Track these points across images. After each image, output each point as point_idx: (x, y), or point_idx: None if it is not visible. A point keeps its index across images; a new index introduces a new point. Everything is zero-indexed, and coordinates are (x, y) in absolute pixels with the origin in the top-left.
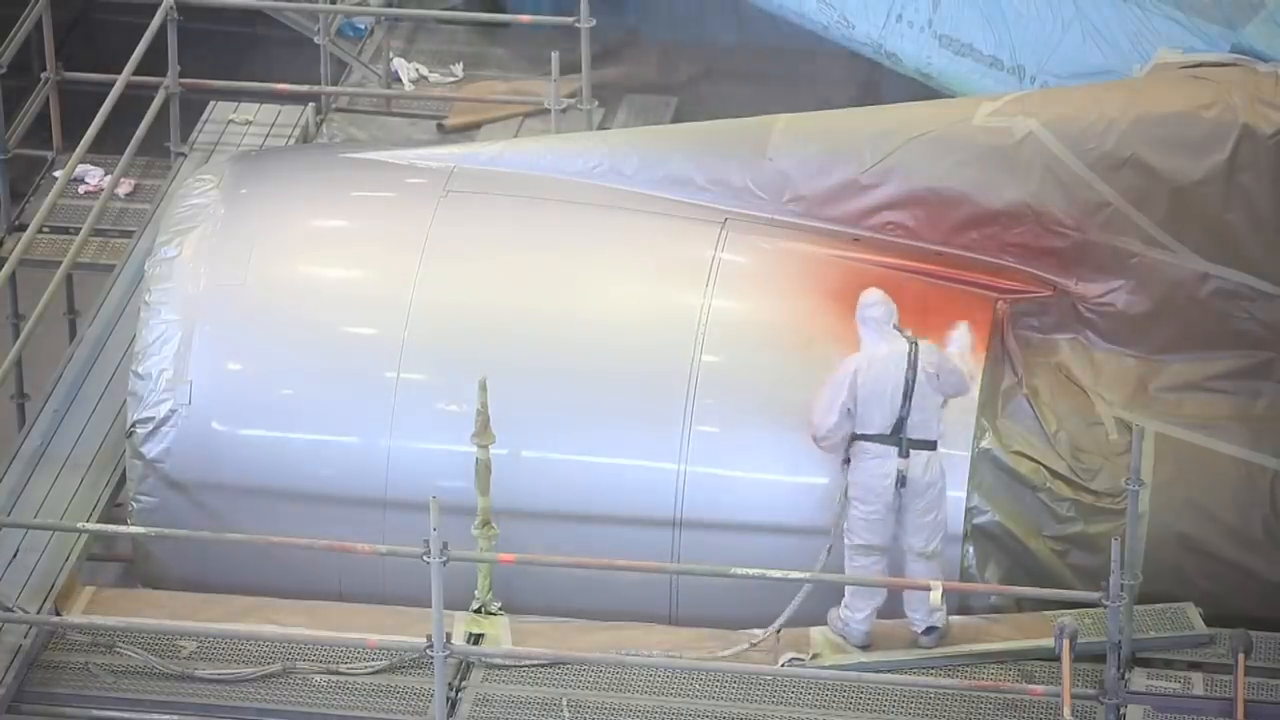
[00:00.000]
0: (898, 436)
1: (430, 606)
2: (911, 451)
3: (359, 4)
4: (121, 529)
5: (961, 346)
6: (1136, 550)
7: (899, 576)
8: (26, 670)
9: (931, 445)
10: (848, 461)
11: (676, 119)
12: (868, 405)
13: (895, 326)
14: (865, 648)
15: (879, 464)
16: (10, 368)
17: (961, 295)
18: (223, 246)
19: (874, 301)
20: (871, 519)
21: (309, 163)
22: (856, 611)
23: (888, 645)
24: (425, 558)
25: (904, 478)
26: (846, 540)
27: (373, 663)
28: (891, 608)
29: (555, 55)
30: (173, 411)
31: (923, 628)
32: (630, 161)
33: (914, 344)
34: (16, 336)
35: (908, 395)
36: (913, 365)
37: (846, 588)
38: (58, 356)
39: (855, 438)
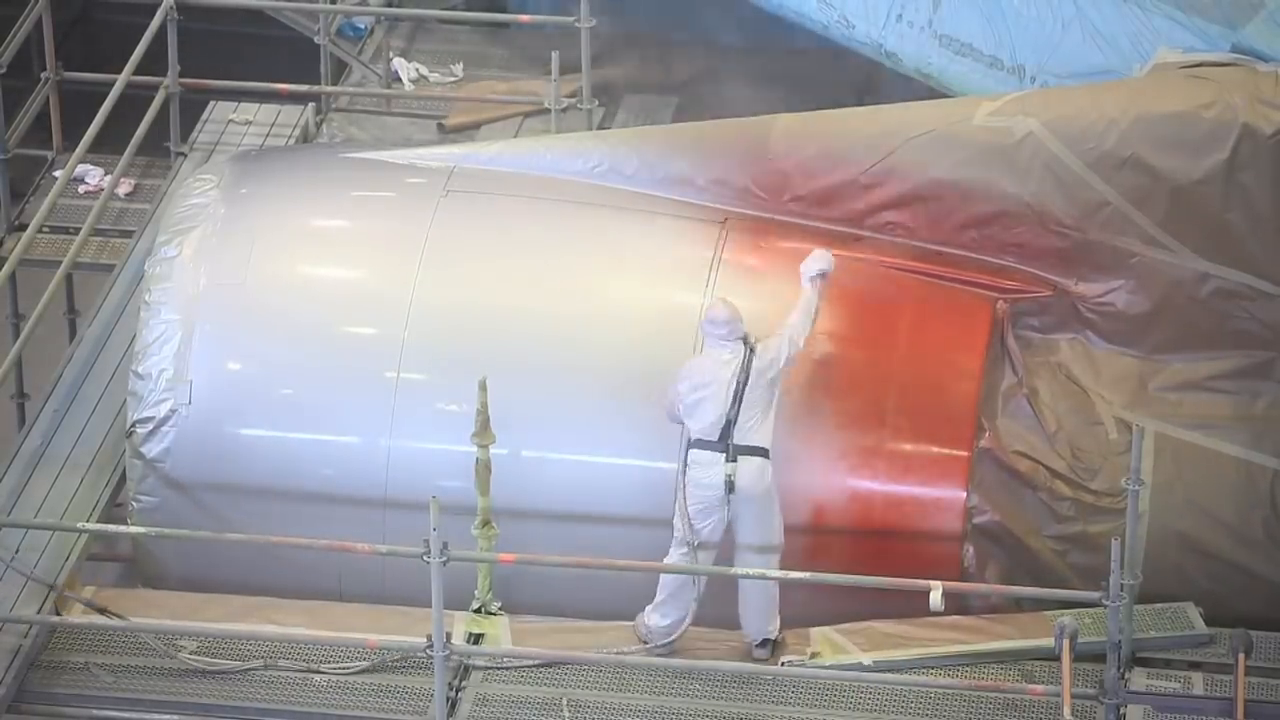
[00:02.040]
0: (725, 442)
1: (430, 606)
2: (741, 457)
3: (359, 4)
4: (121, 529)
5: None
6: (1136, 550)
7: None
8: (26, 670)
9: (763, 452)
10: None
11: (676, 119)
12: (696, 408)
13: (741, 339)
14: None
15: (706, 470)
16: (10, 368)
17: (961, 295)
18: (223, 246)
19: (722, 320)
20: (701, 523)
21: (309, 163)
22: (664, 618)
23: (887, 645)
24: (425, 558)
25: (732, 483)
26: (675, 538)
27: (357, 662)
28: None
29: (555, 55)
30: (173, 411)
31: (758, 640)
32: (630, 161)
33: (750, 349)
34: (16, 336)
35: (737, 398)
36: (745, 368)
37: (659, 590)
38: (58, 356)
39: (691, 445)
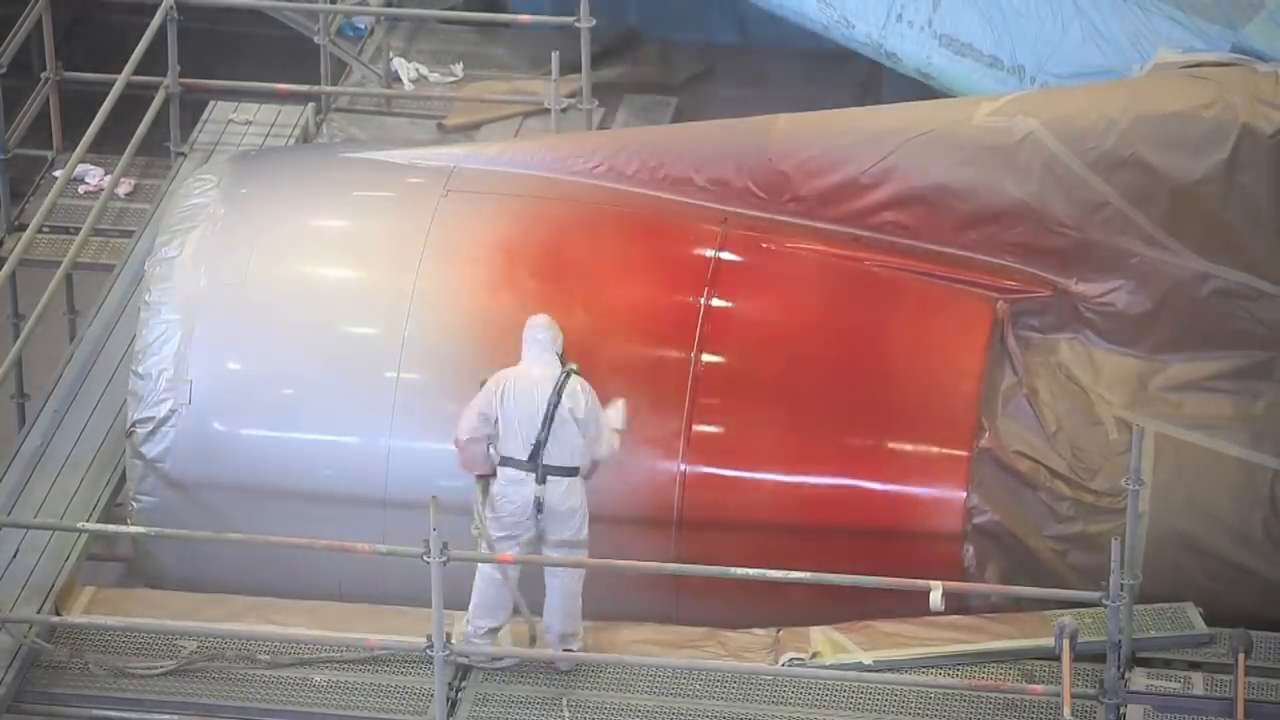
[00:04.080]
0: (534, 463)
1: (430, 606)
2: (550, 478)
3: (359, 4)
4: (121, 529)
5: (614, 420)
6: (1136, 550)
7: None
8: (26, 670)
9: (572, 472)
10: (483, 478)
11: (676, 119)
12: (509, 425)
13: (558, 354)
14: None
15: (517, 489)
16: (10, 368)
17: (961, 295)
18: (223, 246)
19: (541, 325)
20: (507, 538)
21: (309, 163)
22: (478, 626)
23: (887, 645)
24: (425, 558)
25: (541, 503)
26: (484, 550)
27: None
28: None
29: (555, 55)
30: (173, 411)
31: (557, 641)
32: (630, 161)
33: (568, 374)
34: (16, 336)
35: (547, 420)
36: (558, 392)
37: (472, 601)
38: (58, 356)
39: (500, 461)
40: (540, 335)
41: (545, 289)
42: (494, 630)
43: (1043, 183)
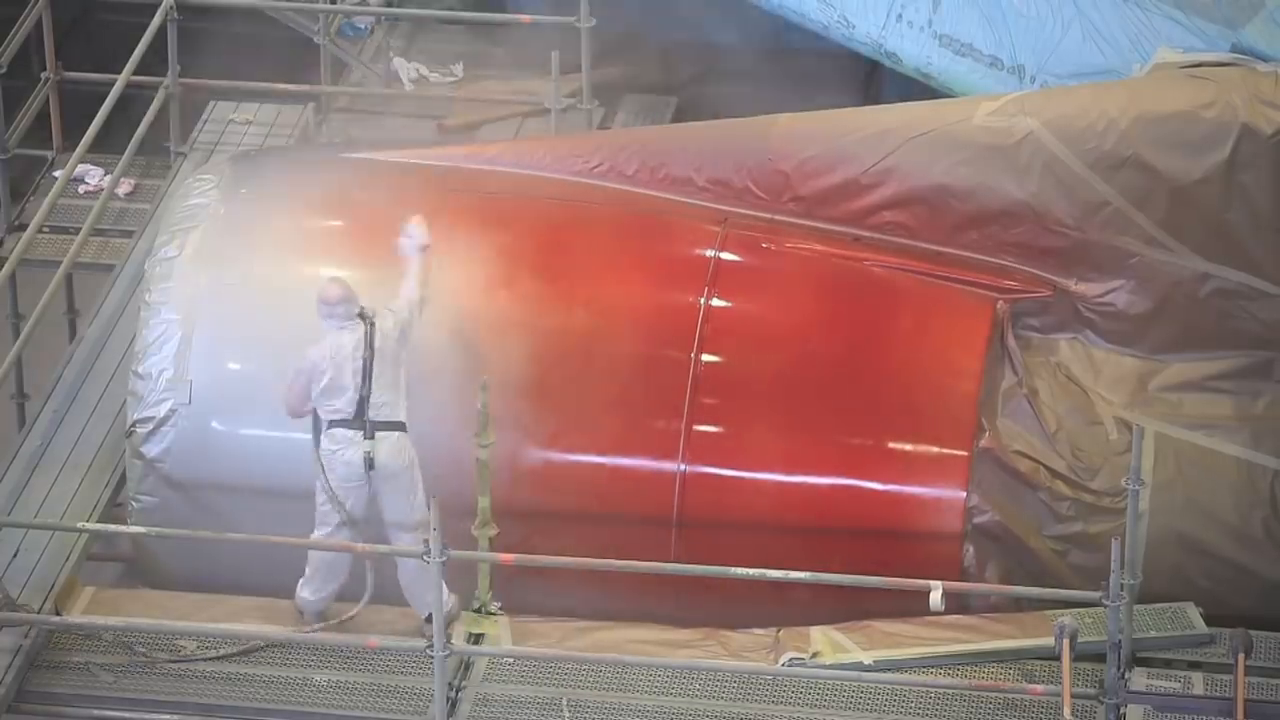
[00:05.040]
0: (361, 419)
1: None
2: (378, 434)
3: (359, 4)
4: (121, 529)
5: (412, 243)
6: (1136, 550)
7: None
8: (26, 670)
9: (400, 426)
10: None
11: (676, 119)
12: (329, 393)
13: (358, 313)
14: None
15: (345, 449)
16: (10, 368)
17: (961, 295)
18: (223, 246)
19: (336, 300)
20: (343, 500)
21: (309, 163)
22: (316, 592)
23: (887, 645)
24: (425, 558)
25: (372, 460)
26: (320, 517)
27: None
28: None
29: (555, 55)
30: (173, 411)
31: (424, 615)
32: (630, 161)
33: (370, 323)
34: (16, 336)
35: (367, 375)
36: (369, 345)
37: (309, 565)
38: (58, 356)
39: (327, 427)
40: (339, 310)
41: (545, 289)
42: (330, 597)
43: (1043, 183)
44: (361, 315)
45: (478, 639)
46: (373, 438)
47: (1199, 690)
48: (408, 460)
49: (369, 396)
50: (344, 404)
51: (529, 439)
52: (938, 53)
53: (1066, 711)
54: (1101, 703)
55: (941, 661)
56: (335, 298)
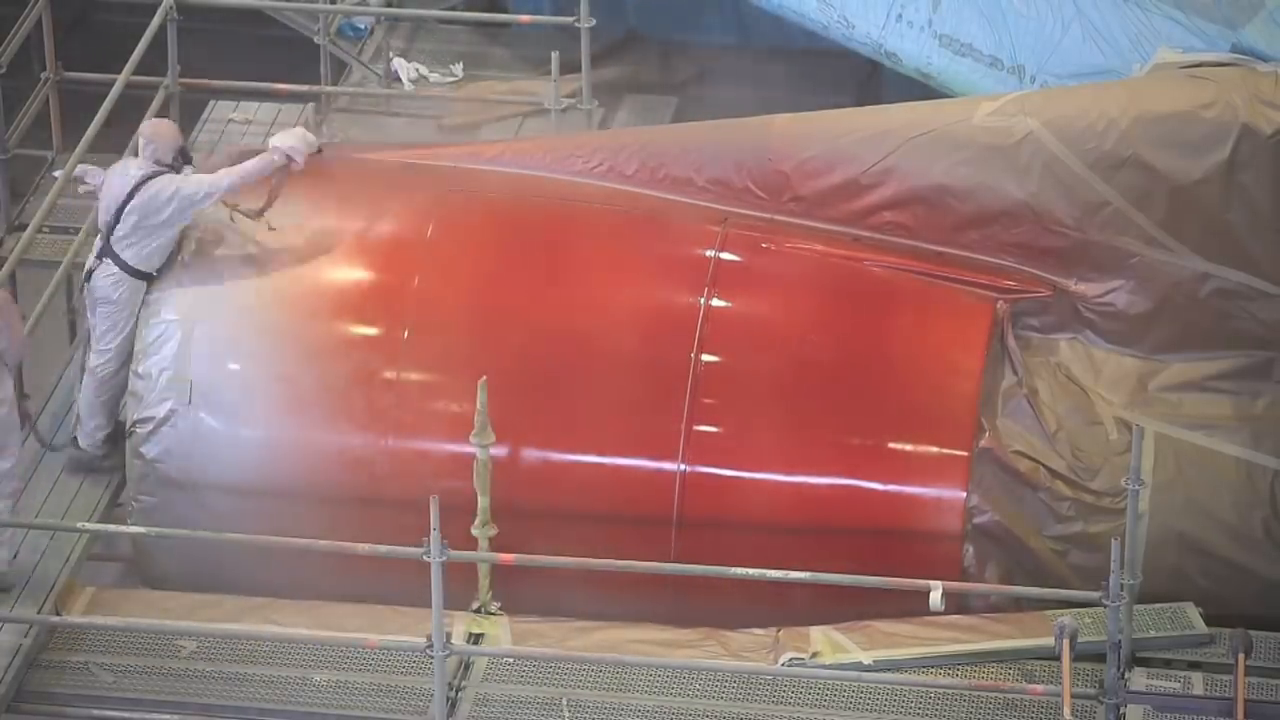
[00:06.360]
0: (105, 242)
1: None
2: (105, 258)
3: (359, 4)
4: (121, 529)
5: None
6: (1136, 550)
7: None
8: (26, 670)
9: (129, 269)
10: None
11: (676, 119)
12: (101, 205)
13: (169, 163)
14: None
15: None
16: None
17: (961, 295)
18: (222, 246)
19: (152, 136)
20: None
21: (309, 163)
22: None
23: (887, 645)
24: (425, 558)
25: (91, 274)
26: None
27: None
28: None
29: (555, 55)
30: (173, 411)
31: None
32: (630, 161)
33: (158, 174)
34: None
35: (120, 209)
36: (137, 185)
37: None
38: (58, 356)
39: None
40: (149, 148)
41: (545, 289)
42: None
43: (1043, 183)
44: (165, 168)
45: (478, 639)
46: (100, 260)
47: (1199, 690)
48: (115, 296)
49: (113, 226)
50: (101, 224)
51: (529, 439)
52: (937, 53)
53: (1066, 711)
54: (1101, 703)
55: (941, 661)
56: (152, 132)
